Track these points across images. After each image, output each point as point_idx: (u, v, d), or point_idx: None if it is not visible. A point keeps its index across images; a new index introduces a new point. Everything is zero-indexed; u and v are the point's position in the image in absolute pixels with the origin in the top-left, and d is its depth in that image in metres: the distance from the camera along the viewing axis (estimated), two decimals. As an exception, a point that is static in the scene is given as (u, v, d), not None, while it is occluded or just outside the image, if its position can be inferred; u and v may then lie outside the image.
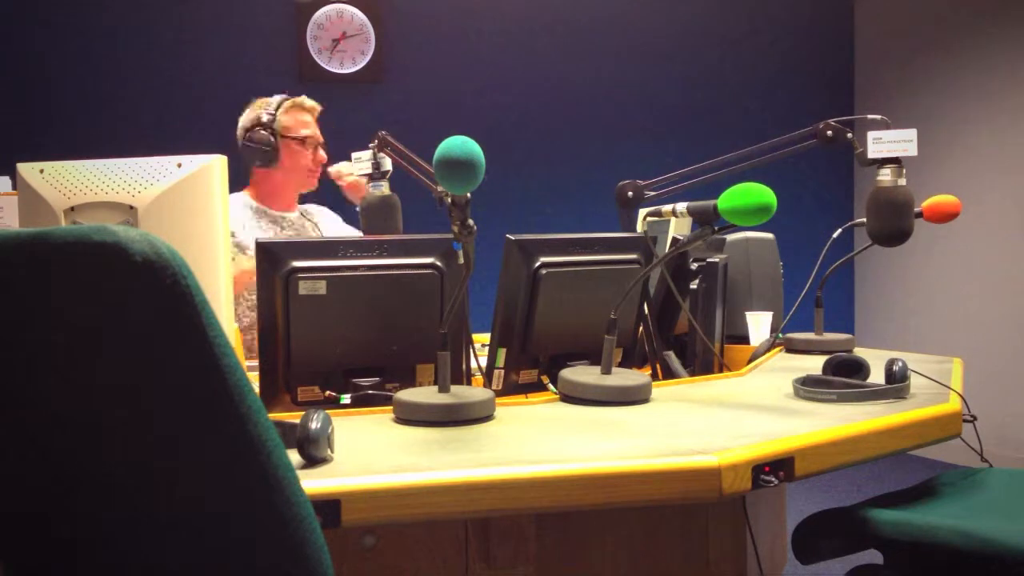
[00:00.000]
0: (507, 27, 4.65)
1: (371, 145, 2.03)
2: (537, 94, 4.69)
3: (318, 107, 2.78)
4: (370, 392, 1.51)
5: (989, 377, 4.39)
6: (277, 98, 2.73)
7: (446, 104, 4.54)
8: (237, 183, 2.75)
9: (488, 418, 1.36)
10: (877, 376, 1.59)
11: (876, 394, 1.49)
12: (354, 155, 2.07)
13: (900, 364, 1.53)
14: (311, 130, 2.75)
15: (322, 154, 2.77)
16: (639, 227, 2.11)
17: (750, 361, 2.00)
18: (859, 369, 1.64)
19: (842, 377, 1.60)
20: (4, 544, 0.90)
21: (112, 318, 0.72)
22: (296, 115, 2.72)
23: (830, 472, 1.26)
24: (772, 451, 1.17)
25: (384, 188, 2.05)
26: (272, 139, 2.66)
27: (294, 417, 1.13)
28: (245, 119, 2.74)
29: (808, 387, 1.53)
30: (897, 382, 1.51)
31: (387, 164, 2.04)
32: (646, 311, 1.87)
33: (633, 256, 1.76)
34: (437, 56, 4.57)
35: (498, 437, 1.26)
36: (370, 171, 2.04)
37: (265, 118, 2.68)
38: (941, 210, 2.07)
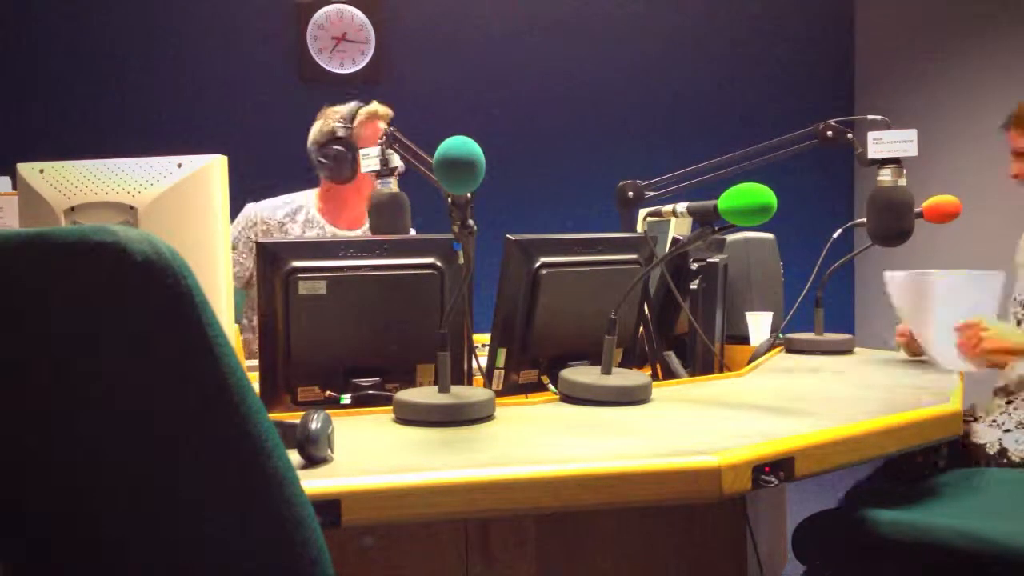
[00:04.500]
0: (507, 27, 4.65)
1: (379, 142, 2.01)
2: (537, 94, 4.69)
3: (390, 112, 2.65)
4: (370, 392, 1.50)
5: (989, 377, 4.38)
6: (350, 106, 2.60)
7: (446, 104, 4.53)
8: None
9: (488, 418, 1.36)
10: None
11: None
12: (362, 151, 2.05)
13: None
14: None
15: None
16: (639, 227, 2.11)
17: (750, 361, 2.00)
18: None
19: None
20: (4, 544, 0.90)
21: (112, 318, 0.72)
22: (372, 126, 2.58)
23: (830, 472, 1.26)
24: (772, 451, 1.17)
25: (393, 185, 2.03)
26: (348, 154, 2.54)
27: (294, 417, 1.13)
28: (316, 131, 2.62)
29: None
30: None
31: (395, 161, 2.02)
32: (646, 311, 1.87)
33: (633, 256, 1.76)
34: (437, 56, 4.56)
35: (498, 437, 1.26)
36: (378, 168, 2.02)
37: (341, 132, 2.55)
38: (941, 210, 2.07)
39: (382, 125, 2.58)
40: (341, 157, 2.56)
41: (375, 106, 2.63)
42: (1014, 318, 2.01)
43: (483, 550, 1.31)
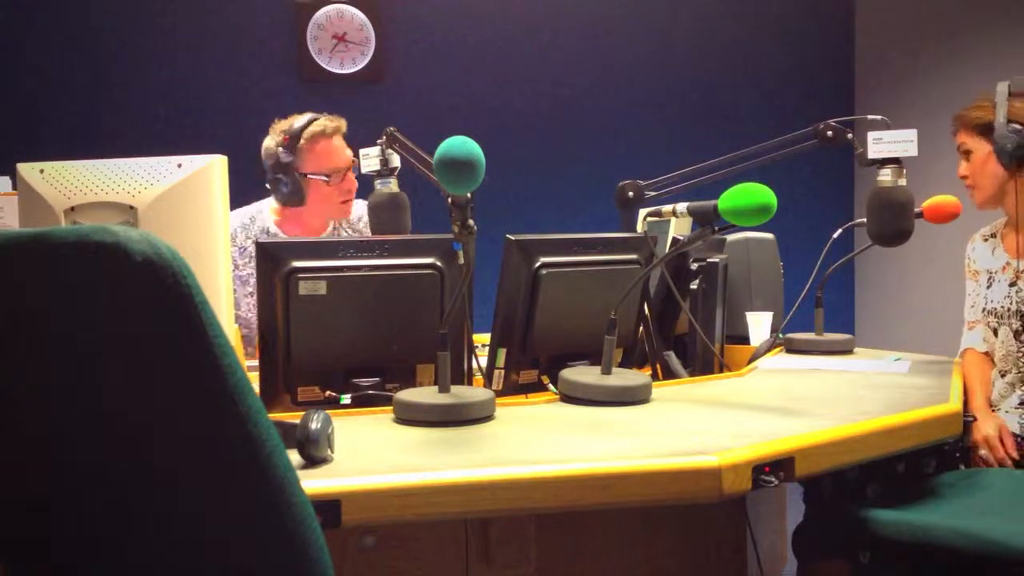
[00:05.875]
0: (507, 27, 4.65)
1: (379, 142, 2.02)
2: (537, 94, 4.69)
3: (342, 124, 2.47)
4: (370, 392, 1.50)
5: (989, 377, 4.37)
6: (298, 126, 2.41)
7: (446, 104, 4.53)
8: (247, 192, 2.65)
9: (488, 418, 1.36)
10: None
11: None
12: (362, 152, 2.06)
13: None
14: (336, 160, 2.44)
15: (352, 179, 2.48)
16: (639, 227, 2.11)
17: (750, 361, 2.00)
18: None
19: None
20: (4, 544, 0.90)
21: (112, 318, 0.72)
22: (318, 147, 2.41)
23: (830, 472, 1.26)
24: (772, 451, 1.17)
25: (392, 185, 2.03)
26: (295, 183, 2.39)
27: (294, 417, 1.13)
28: (266, 150, 2.45)
29: None
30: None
31: (395, 161, 2.02)
32: (646, 311, 1.87)
33: (633, 256, 1.76)
34: (437, 56, 4.56)
35: (498, 437, 1.26)
36: (378, 168, 2.02)
37: (285, 158, 2.37)
38: (941, 210, 2.08)
39: (333, 144, 2.44)
40: (286, 184, 2.41)
41: (323, 123, 2.43)
42: (988, 328, 2.01)
43: (483, 550, 1.31)
